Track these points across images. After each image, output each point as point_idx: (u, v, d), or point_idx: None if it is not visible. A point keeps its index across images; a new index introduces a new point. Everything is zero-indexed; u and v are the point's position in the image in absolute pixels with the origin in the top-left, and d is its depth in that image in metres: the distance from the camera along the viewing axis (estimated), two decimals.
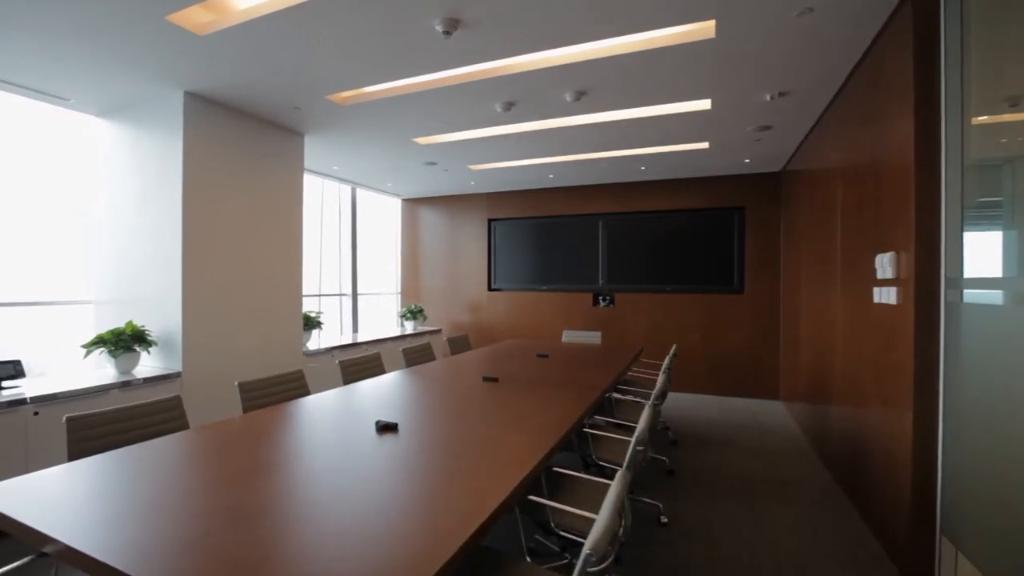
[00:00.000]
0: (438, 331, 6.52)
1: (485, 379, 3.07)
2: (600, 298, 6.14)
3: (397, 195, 7.12)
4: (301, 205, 4.27)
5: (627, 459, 1.79)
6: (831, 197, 3.46)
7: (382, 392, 2.77)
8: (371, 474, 1.57)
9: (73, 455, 1.90)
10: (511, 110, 3.55)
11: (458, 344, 4.72)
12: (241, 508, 1.31)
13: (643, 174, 5.67)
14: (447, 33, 2.42)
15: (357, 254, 6.37)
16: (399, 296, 7.35)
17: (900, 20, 2.27)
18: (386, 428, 2.07)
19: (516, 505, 1.74)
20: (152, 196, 3.44)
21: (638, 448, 1.83)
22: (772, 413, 5.02)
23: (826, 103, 3.44)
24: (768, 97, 3.29)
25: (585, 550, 1.02)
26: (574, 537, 1.78)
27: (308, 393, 2.97)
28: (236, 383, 2.59)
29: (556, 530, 1.82)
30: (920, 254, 2.13)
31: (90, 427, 1.99)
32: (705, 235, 5.78)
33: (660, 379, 2.93)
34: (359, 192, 6.44)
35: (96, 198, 3.71)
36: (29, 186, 3.42)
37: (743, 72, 2.96)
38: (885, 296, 2.44)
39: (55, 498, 1.39)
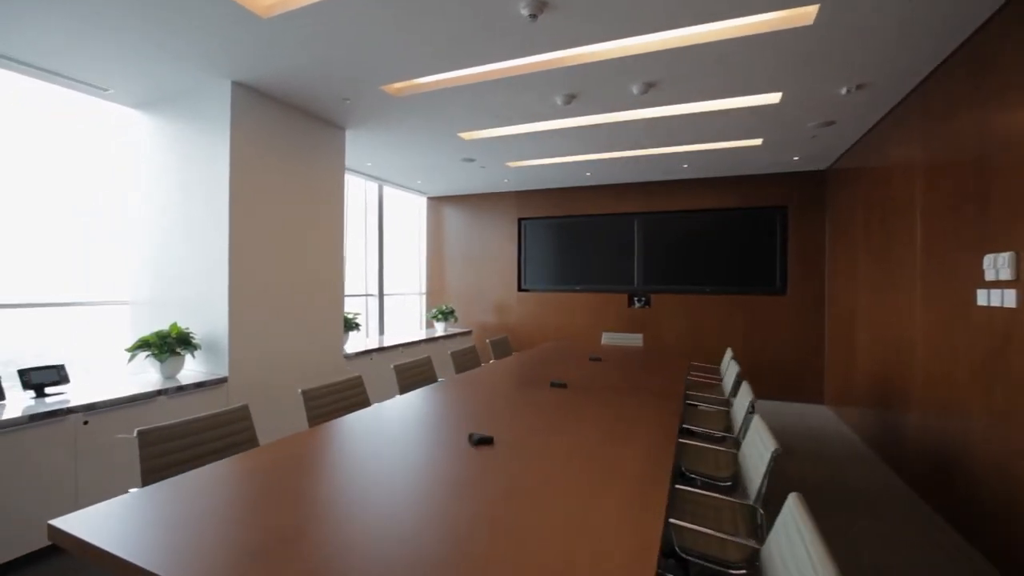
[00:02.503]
0: (468, 332, 6.36)
1: (553, 385, 2.91)
2: (635, 299, 5.99)
3: (423, 193, 6.95)
4: (343, 202, 4.10)
5: (766, 472, 1.64)
6: (905, 195, 3.31)
7: (450, 400, 2.61)
8: (488, 498, 1.40)
9: (146, 472, 1.75)
10: (572, 103, 3.39)
11: (500, 347, 4.56)
12: (356, 540, 1.15)
13: (681, 172, 5.52)
14: (533, 16, 2.26)
15: (384, 253, 6.20)
16: (422, 297, 7.19)
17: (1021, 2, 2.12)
18: (481, 442, 1.91)
19: None
20: (195, 193, 3.27)
21: (771, 462, 1.67)
22: (820, 417, 4.88)
23: (901, 96, 3.30)
24: (844, 90, 3.15)
25: None
26: (701, 562, 1.62)
27: (368, 400, 2.81)
28: (299, 391, 2.42)
29: (682, 553, 1.67)
30: None
31: (161, 441, 1.84)
32: (745, 235, 5.63)
33: (743, 386, 2.79)
34: (383, 190, 6.27)
35: (131, 194, 3.54)
36: (57, 182, 3.24)
37: (827, 63, 2.81)
38: (996, 299, 2.30)
39: (150, 529, 1.23)
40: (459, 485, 1.49)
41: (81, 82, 3.06)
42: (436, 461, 1.71)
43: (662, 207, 5.92)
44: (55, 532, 1.26)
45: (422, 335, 5.73)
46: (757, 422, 2.00)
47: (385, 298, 6.26)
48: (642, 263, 6.01)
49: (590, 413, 2.33)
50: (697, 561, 1.61)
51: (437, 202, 7.09)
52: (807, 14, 2.36)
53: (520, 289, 6.60)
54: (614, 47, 2.79)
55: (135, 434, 1.78)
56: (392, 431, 2.08)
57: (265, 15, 2.38)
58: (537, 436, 2.00)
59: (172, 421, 1.89)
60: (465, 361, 3.83)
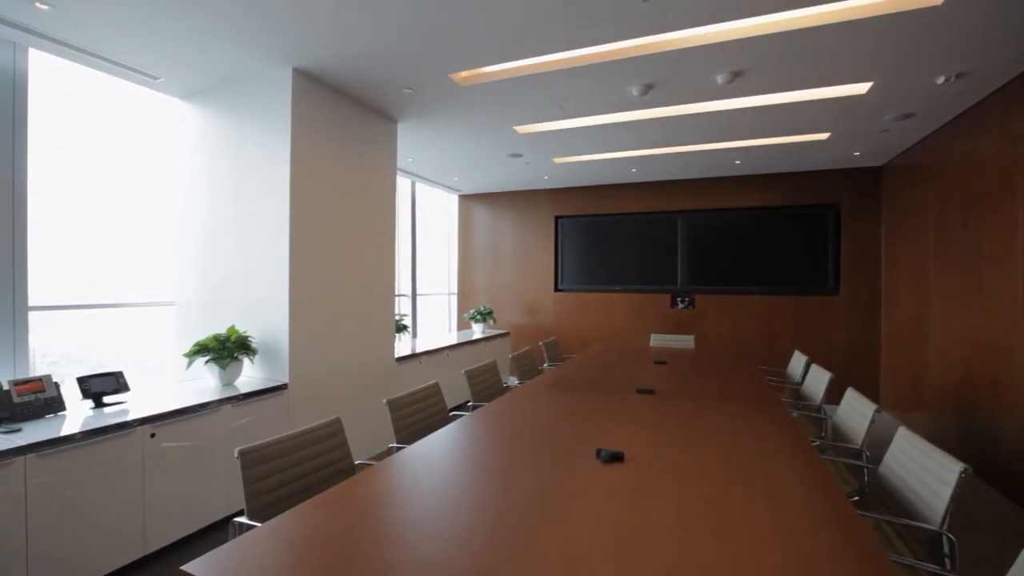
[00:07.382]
0: (506, 334, 6.17)
1: (640, 391, 2.74)
2: (679, 299, 5.82)
3: (456, 191, 6.76)
4: (394, 199, 3.92)
5: (952, 494, 1.46)
6: (1001, 192, 3.14)
7: (543, 410, 2.42)
8: (665, 533, 1.22)
9: (250, 496, 1.58)
10: (648, 94, 3.21)
11: (552, 349, 4.39)
12: None
13: (731, 168, 5.34)
14: None
15: (416, 252, 6.01)
16: (452, 297, 7.00)
17: None
18: (612, 459, 1.74)
19: None
20: (248, 188, 3.08)
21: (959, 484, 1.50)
22: (882, 424, 4.68)
23: (993, 88, 3.12)
24: (942, 80, 2.97)
25: None
26: None
27: (445, 407, 2.64)
28: (384, 401, 2.25)
29: None
30: None
31: (262, 462, 1.66)
32: (796, 234, 5.46)
33: (850, 392, 2.62)
34: (415, 186, 6.08)
35: (176, 189, 3.35)
36: (95, 177, 3.06)
37: (936, 49, 2.63)
38: None
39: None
40: (615, 517, 1.31)
41: (132, 69, 2.87)
42: (568, 484, 1.52)
43: (707, 204, 5.73)
44: None
45: (456, 337, 5.54)
46: (908, 435, 1.83)
47: (417, 298, 6.07)
48: (686, 262, 5.83)
49: (700, 423, 2.15)
50: None
51: (469, 200, 6.90)
52: None
53: (556, 289, 6.41)
54: (707, 32, 2.61)
55: (236, 454, 1.60)
56: (502, 447, 1.90)
57: None
58: (666, 450, 1.83)
59: (272, 439, 1.71)
60: (525, 366, 3.66)
